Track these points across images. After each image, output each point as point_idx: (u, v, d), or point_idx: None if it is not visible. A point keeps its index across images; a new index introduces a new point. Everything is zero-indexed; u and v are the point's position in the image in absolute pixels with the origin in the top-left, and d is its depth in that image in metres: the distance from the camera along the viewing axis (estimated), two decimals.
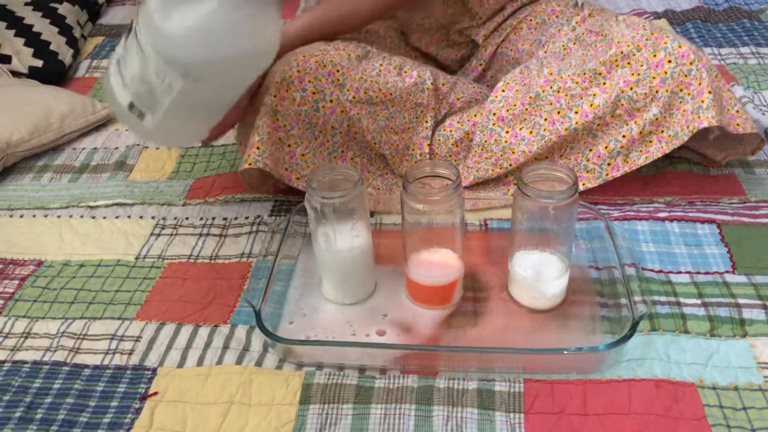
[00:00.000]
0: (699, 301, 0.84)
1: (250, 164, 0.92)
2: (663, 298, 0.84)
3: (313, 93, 0.94)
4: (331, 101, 0.95)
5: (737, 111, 0.94)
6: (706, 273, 0.88)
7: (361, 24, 1.01)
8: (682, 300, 0.84)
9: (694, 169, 1.06)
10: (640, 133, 0.96)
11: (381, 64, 1.00)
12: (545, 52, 1.06)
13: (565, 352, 0.75)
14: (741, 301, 0.83)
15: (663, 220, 0.96)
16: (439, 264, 0.83)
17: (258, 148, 0.92)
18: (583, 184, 1.00)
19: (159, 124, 0.81)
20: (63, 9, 1.59)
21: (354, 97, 0.97)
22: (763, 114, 1.16)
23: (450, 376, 0.77)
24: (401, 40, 1.16)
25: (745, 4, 1.59)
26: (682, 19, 1.54)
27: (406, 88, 1.00)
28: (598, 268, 0.89)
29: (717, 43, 1.43)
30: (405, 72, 1.01)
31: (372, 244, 0.85)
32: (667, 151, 0.95)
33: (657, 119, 0.94)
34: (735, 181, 1.04)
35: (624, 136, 0.96)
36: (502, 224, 0.98)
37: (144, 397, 0.77)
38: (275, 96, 0.94)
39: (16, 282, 0.95)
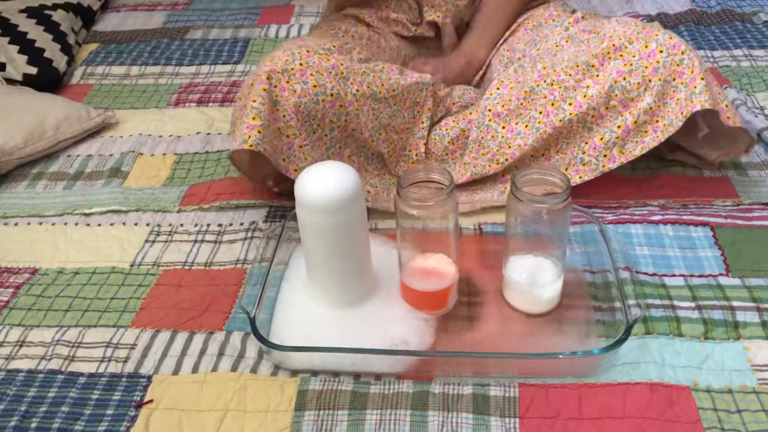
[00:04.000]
0: (693, 304, 0.84)
1: (250, 146, 0.89)
2: (657, 302, 0.85)
3: (314, 86, 0.94)
4: (332, 95, 0.96)
5: (726, 105, 0.95)
6: (700, 276, 0.88)
7: None
8: (676, 303, 0.84)
9: (688, 172, 1.06)
10: (635, 122, 0.96)
11: (383, 66, 1.02)
12: (538, 50, 1.07)
13: (560, 356, 0.75)
14: (735, 303, 0.83)
15: (657, 223, 0.96)
16: (433, 269, 0.83)
17: (259, 132, 0.90)
18: (580, 177, 0.99)
19: None
20: (57, 16, 1.59)
21: (358, 90, 0.98)
22: (756, 116, 1.16)
23: (445, 381, 0.77)
24: (399, 55, 1.18)
25: (737, 7, 1.60)
26: (674, 22, 1.54)
27: (407, 86, 1.02)
28: (592, 271, 0.90)
29: (710, 46, 1.43)
30: (406, 74, 1.04)
31: (369, 247, 0.85)
32: (662, 140, 0.94)
33: (651, 108, 0.95)
34: (728, 183, 1.04)
35: (619, 127, 0.97)
36: (497, 228, 0.99)
37: (139, 405, 0.77)
38: (275, 86, 0.94)
39: (11, 290, 0.95)
